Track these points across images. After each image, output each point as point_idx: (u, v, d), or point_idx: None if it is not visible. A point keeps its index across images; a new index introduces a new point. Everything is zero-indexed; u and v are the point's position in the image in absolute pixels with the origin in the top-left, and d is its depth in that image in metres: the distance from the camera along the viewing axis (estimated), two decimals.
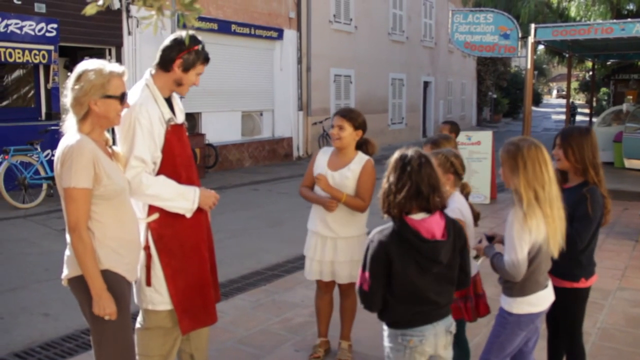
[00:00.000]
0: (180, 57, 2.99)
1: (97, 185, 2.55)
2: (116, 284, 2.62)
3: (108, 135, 2.80)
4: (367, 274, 2.40)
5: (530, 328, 2.84)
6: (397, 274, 2.37)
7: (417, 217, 2.40)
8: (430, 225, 2.38)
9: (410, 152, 2.42)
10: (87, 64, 2.63)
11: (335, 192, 3.70)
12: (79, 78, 2.59)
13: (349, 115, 3.77)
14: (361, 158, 3.82)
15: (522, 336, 2.84)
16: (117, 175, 2.68)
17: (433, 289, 2.42)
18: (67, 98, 2.62)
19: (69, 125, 2.64)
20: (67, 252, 2.64)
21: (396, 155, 2.45)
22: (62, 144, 2.57)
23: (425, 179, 2.37)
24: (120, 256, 2.66)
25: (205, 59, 3.07)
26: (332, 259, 3.81)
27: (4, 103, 11.52)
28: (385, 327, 2.54)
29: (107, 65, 2.64)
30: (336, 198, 3.69)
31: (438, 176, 2.43)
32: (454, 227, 2.47)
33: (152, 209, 3.00)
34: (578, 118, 31.24)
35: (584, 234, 3.01)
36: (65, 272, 2.65)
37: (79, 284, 2.59)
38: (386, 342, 2.54)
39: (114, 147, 2.85)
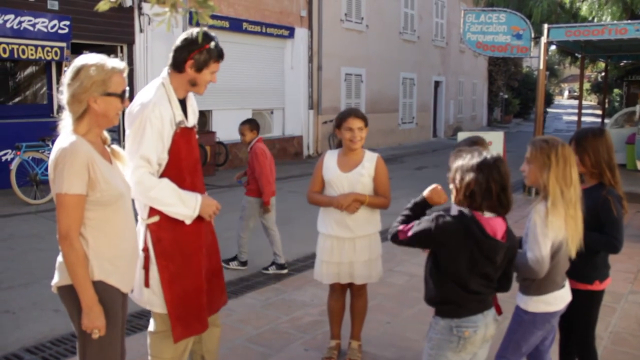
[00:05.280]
0: (192, 58, 2.92)
1: (92, 191, 2.39)
2: (108, 296, 2.47)
3: (107, 134, 2.63)
4: (411, 233, 2.45)
5: (546, 327, 2.85)
6: (446, 261, 2.42)
7: (485, 215, 2.44)
8: (495, 224, 2.44)
9: (487, 152, 2.46)
10: (87, 59, 2.45)
11: (359, 197, 3.67)
12: (77, 73, 2.41)
13: (362, 115, 3.76)
14: (371, 156, 3.81)
15: (538, 335, 2.84)
16: (116, 180, 2.51)
17: (476, 281, 2.46)
18: (63, 95, 2.46)
19: (65, 125, 2.47)
20: (60, 259, 2.47)
21: (474, 154, 2.47)
22: (56, 147, 2.40)
23: (499, 180, 2.41)
24: (115, 267, 2.50)
25: (218, 56, 2.98)
26: (351, 260, 3.78)
27: (17, 99, 11.60)
28: (436, 320, 2.54)
29: (108, 61, 2.47)
30: (360, 202, 3.67)
31: (509, 178, 2.47)
32: (511, 234, 2.52)
33: (152, 211, 2.95)
34: (588, 119, 30.96)
35: (619, 236, 3.02)
36: (56, 280, 2.50)
37: (68, 293, 2.45)
38: (435, 334, 2.53)
39: (114, 146, 2.66)
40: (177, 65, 2.96)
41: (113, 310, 2.49)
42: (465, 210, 2.42)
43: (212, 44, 2.94)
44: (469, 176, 2.41)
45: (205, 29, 2.90)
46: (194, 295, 3.05)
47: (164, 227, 2.96)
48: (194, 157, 3.13)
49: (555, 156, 2.66)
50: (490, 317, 2.53)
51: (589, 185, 3.12)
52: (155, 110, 2.87)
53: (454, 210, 2.51)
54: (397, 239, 2.53)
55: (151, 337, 3.13)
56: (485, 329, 2.51)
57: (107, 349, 2.51)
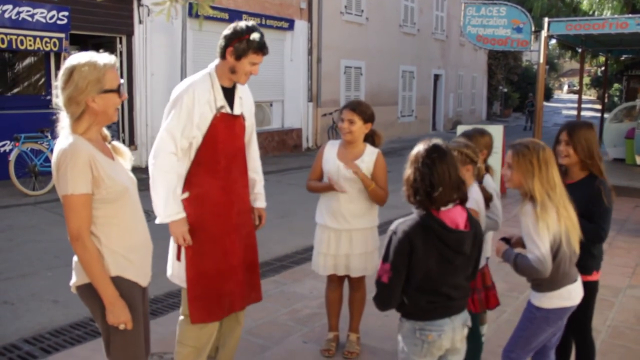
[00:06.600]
0: (232, 45, 3.05)
1: (98, 189, 2.38)
2: (127, 291, 2.48)
3: (107, 132, 2.62)
4: (387, 265, 2.36)
5: (558, 324, 2.84)
6: (417, 265, 2.34)
7: (441, 208, 2.37)
8: (454, 215, 2.39)
9: (433, 143, 2.39)
10: (76, 59, 2.41)
11: (367, 180, 3.69)
12: (70, 75, 2.38)
13: (358, 108, 3.75)
14: (372, 151, 3.81)
15: (549, 332, 2.84)
16: (120, 175, 2.51)
17: (450, 282, 2.40)
18: (59, 98, 2.41)
19: (63, 126, 2.44)
20: (75, 259, 2.48)
21: (421, 146, 2.42)
22: (56, 149, 2.39)
23: (447, 171, 2.34)
24: (129, 261, 2.51)
25: (258, 48, 3.05)
26: (347, 252, 3.80)
27: (15, 90, 11.56)
28: (402, 322, 2.50)
29: (98, 58, 2.43)
30: (366, 184, 3.69)
31: (458, 168, 2.42)
32: (473, 219, 2.46)
33: (184, 187, 3.10)
34: (588, 114, 30.93)
35: (606, 226, 3.06)
36: (74, 280, 2.50)
37: (88, 291, 2.46)
38: (402, 336, 2.50)
39: (115, 142, 2.66)
40: (221, 52, 3.12)
41: (133, 305, 2.49)
42: (420, 212, 2.36)
43: (254, 35, 3.04)
44: (412, 174, 2.38)
45: (252, 23, 3.08)
46: (215, 280, 3.11)
47: (192, 203, 3.10)
48: (235, 146, 3.23)
49: (538, 161, 2.67)
50: (458, 322, 2.47)
51: (578, 179, 3.15)
52: (189, 90, 3.05)
53: (412, 215, 2.42)
54: (383, 283, 2.37)
55: (180, 323, 3.23)
56: (453, 334, 2.44)
57: (130, 344, 2.53)
